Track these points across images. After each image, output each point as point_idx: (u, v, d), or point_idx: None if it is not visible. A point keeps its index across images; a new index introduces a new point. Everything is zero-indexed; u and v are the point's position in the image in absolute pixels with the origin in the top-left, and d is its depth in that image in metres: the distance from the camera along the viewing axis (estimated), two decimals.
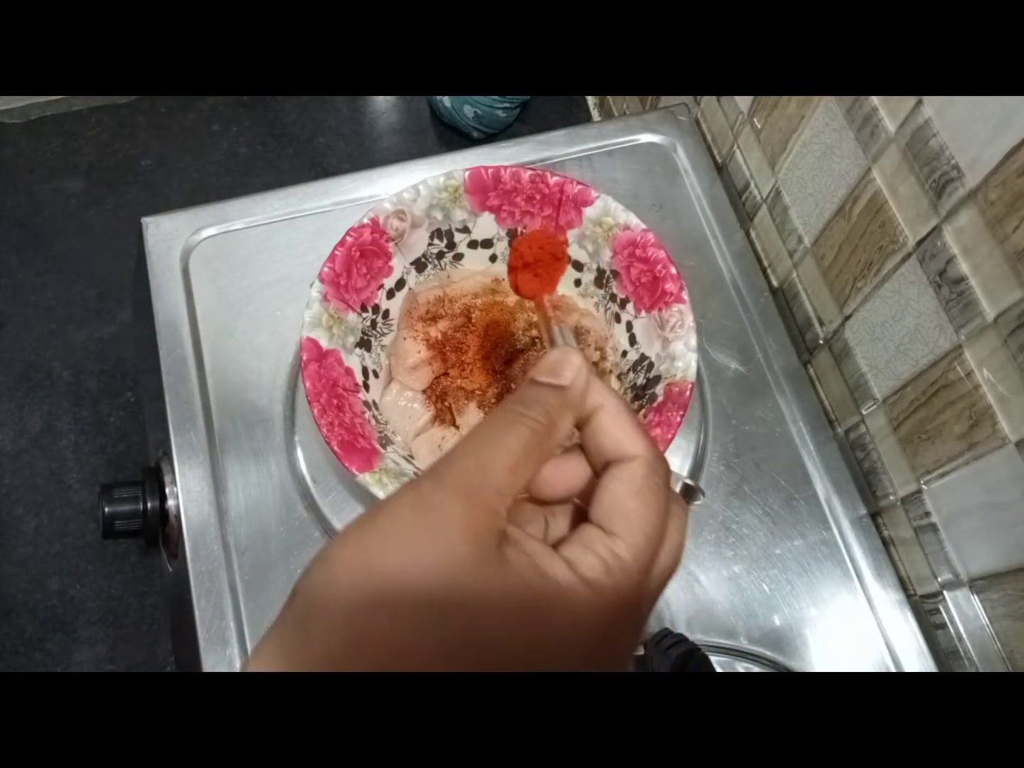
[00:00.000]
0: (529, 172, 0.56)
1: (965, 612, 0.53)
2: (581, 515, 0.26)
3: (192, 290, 0.62)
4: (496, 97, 0.99)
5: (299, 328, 0.52)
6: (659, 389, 0.52)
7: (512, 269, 0.58)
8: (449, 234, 0.58)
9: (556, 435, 0.25)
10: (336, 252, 0.53)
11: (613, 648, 0.23)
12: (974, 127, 0.43)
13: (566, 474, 0.27)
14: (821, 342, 0.63)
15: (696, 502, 0.57)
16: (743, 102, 0.66)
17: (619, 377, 0.58)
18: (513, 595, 0.22)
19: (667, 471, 0.26)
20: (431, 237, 0.58)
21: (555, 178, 0.55)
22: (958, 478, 0.50)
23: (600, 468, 0.26)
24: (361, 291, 0.55)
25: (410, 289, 0.58)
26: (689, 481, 0.57)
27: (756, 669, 0.53)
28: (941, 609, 0.55)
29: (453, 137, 1.05)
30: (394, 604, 0.20)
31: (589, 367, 0.26)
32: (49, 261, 0.98)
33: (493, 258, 0.60)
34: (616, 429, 0.26)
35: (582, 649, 0.22)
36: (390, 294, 0.57)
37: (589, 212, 0.56)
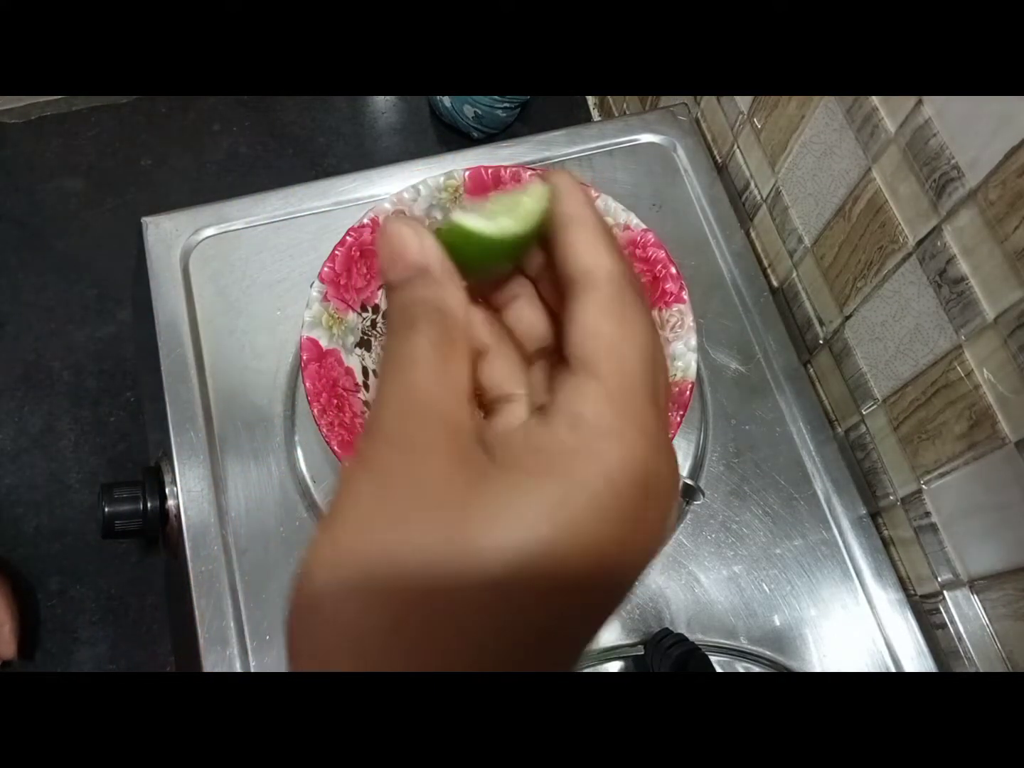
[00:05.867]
0: (529, 172, 0.56)
1: (965, 612, 0.53)
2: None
3: (192, 290, 0.62)
4: (496, 97, 0.98)
5: (299, 328, 0.52)
6: None
7: None
8: None
9: (454, 319, 0.21)
10: (336, 252, 0.53)
11: (663, 484, 0.21)
12: (974, 127, 0.43)
13: (530, 323, 0.24)
14: (821, 342, 0.63)
15: (696, 502, 0.57)
16: (743, 102, 0.66)
17: None
18: (525, 491, 0.20)
19: (637, 280, 0.23)
20: None
21: None
22: (958, 478, 0.50)
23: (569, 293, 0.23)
24: (361, 291, 0.55)
25: None
26: (689, 481, 0.57)
27: (756, 669, 0.53)
28: (941, 609, 0.55)
29: (453, 137, 1.04)
30: (392, 588, 0.19)
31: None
32: (49, 261, 0.97)
33: None
34: (577, 246, 0.22)
35: (631, 500, 0.20)
36: None
37: None
